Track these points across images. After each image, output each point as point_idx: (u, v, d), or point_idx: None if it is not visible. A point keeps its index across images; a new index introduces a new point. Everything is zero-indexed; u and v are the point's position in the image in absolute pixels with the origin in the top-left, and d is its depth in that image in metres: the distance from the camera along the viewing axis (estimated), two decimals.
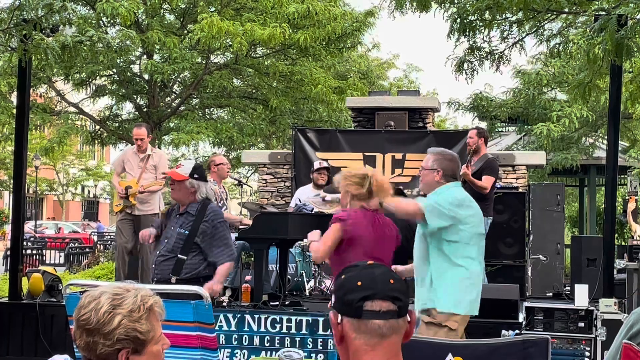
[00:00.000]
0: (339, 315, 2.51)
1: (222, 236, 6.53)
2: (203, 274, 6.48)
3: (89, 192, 63.23)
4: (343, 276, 2.56)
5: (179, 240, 6.50)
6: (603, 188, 17.85)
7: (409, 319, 2.53)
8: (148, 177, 10.41)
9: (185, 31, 20.35)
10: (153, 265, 6.66)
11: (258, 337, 8.28)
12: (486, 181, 9.72)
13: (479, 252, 5.90)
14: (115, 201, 10.68)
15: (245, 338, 8.28)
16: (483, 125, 23.59)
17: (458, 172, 6.02)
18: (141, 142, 10.48)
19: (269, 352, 8.10)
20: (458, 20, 9.41)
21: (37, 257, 22.63)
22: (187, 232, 6.48)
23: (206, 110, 23.31)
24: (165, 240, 6.62)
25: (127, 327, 2.62)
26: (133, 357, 2.65)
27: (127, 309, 2.64)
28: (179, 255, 6.46)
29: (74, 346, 2.79)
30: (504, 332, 7.63)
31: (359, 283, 2.49)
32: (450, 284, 5.74)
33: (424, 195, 6.10)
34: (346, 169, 6.39)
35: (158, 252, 6.63)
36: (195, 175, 6.55)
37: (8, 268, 11.16)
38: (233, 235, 9.62)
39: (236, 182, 11.67)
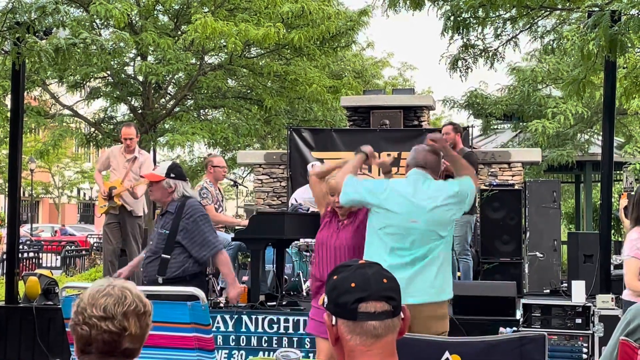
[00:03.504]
0: (333, 317, 2.50)
1: (201, 231, 6.50)
2: (189, 271, 6.47)
3: (84, 194, 63.12)
4: (335, 277, 2.54)
5: (161, 241, 6.52)
6: (599, 184, 17.87)
7: (402, 316, 2.52)
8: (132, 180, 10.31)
9: (179, 32, 20.33)
10: (141, 269, 6.69)
11: (255, 337, 8.27)
12: None
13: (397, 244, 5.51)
14: (99, 202, 10.57)
15: (243, 339, 8.28)
16: (478, 122, 23.62)
17: (423, 158, 5.77)
18: (130, 141, 10.35)
19: (266, 353, 8.09)
20: (451, 18, 9.41)
21: (34, 260, 22.62)
22: (167, 232, 6.49)
23: (201, 111, 23.29)
24: (151, 242, 6.65)
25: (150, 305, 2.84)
26: None
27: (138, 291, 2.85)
28: (162, 255, 6.48)
29: (71, 349, 2.80)
30: (501, 329, 7.64)
31: (353, 284, 2.48)
32: None
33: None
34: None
35: (145, 255, 6.67)
36: (172, 175, 6.57)
37: (4, 272, 11.14)
38: (229, 236, 9.64)
39: (232, 182, 11.65)
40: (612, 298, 7.96)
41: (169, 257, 6.47)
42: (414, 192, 5.61)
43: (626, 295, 6.45)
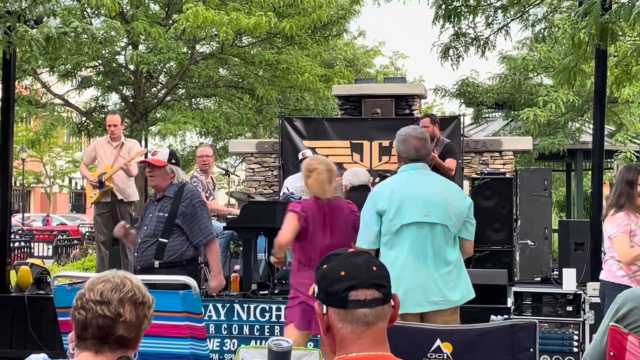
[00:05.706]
0: (324, 306, 2.51)
1: (199, 217, 6.59)
2: (186, 256, 6.51)
3: (76, 184, 63.03)
4: (325, 266, 2.54)
5: (159, 224, 6.52)
6: (590, 172, 17.87)
7: (392, 304, 2.53)
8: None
9: (171, 21, 20.27)
10: (136, 254, 6.66)
11: (247, 326, 8.29)
12: (450, 163, 9.60)
13: (407, 242, 5.33)
14: (89, 192, 10.53)
15: (235, 327, 8.29)
16: (470, 111, 23.64)
17: (416, 152, 5.54)
18: (114, 128, 10.31)
19: (258, 341, 8.11)
20: (443, 6, 9.43)
21: (25, 249, 22.59)
22: (166, 215, 6.50)
23: (193, 100, 23.24)
24: (145, 227, 6.62)
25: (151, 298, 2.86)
26: None
27: (139, 282, 2.86)
28: (160, 239, 6.47)
29: (63, 339, 2.81)
30: (492, 317, 7.66)
31: (343, 273, 2.48)
32: None
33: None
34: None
35: (139, 239, 6.63)
36: (173, 161, 6.69)
37: None
38: (221, 225, 9.65)
39: (224, 171, 11.66)
40: None
41: (166, 241, 6.48)
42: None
43: (604, 275, 6.54)
